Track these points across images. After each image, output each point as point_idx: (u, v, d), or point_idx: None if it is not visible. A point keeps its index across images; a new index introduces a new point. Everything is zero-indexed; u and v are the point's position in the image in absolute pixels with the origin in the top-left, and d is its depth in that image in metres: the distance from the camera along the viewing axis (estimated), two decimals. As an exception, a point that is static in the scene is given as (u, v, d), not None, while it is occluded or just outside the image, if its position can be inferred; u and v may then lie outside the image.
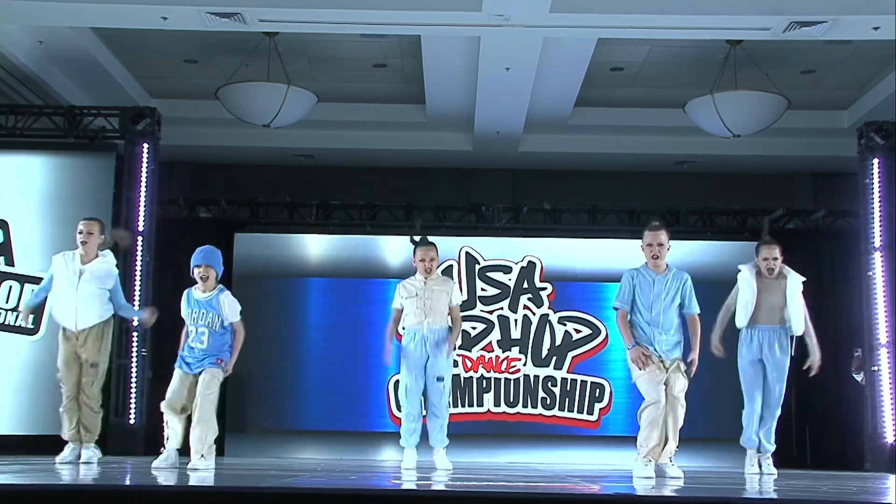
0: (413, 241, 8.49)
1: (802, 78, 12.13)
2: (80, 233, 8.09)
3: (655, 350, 6.85)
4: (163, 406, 7.54)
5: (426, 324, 8.16)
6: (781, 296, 8.10)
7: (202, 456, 7.19)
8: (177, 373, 7.57)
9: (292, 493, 3.57)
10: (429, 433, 8.19)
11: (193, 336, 7.52)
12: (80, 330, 8.01)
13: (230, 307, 7.58)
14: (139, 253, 10.69)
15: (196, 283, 7.63)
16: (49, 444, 9.79)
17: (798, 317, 8.08)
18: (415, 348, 8.20)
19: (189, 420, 7.50)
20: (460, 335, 9.14)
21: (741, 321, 8.19)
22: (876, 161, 11.08)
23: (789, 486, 6.07)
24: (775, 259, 8.12)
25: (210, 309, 7.53)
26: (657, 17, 9.97)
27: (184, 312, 7.62)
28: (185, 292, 7.67)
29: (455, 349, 8.61)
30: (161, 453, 7.49)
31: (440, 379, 8.15)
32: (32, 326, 10.50)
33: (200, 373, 7.48)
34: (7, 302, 10.64)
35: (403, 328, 8.38)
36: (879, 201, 10.99)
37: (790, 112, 11.61)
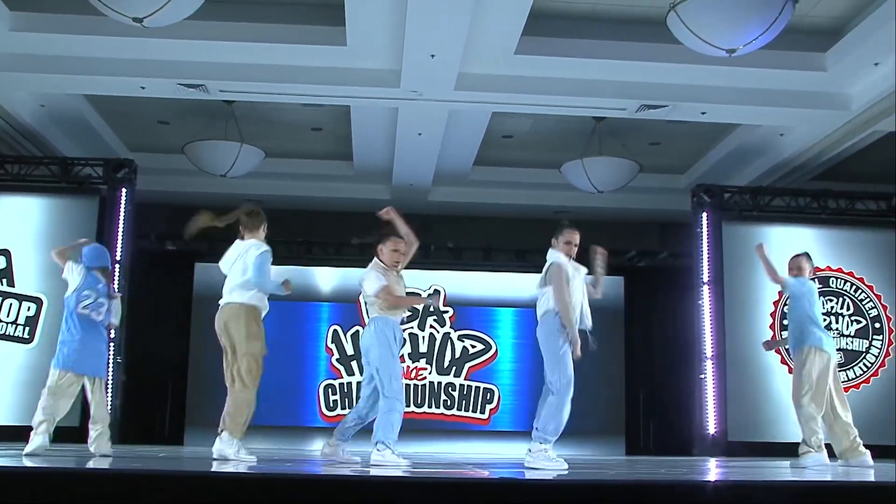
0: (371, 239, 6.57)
1: (651, 148, 12.25)
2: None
3: None
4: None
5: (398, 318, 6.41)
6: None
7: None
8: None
9: (236, 479, 3.49)
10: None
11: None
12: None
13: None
14: (117, 278, 10.36)
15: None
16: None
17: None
18: (396, 339, 6.31)
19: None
20: None
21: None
22: (705, 214, 11.27)
23: (634, 472, 5.98)
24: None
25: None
26: (539, 97, 10.09)
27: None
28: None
29: None
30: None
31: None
32: (28, 337, 10.32)
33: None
34: (8, 316, 10.38)
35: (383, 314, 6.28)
36: (707, 246, 11.17)
37: (642, 174, 11.75)
